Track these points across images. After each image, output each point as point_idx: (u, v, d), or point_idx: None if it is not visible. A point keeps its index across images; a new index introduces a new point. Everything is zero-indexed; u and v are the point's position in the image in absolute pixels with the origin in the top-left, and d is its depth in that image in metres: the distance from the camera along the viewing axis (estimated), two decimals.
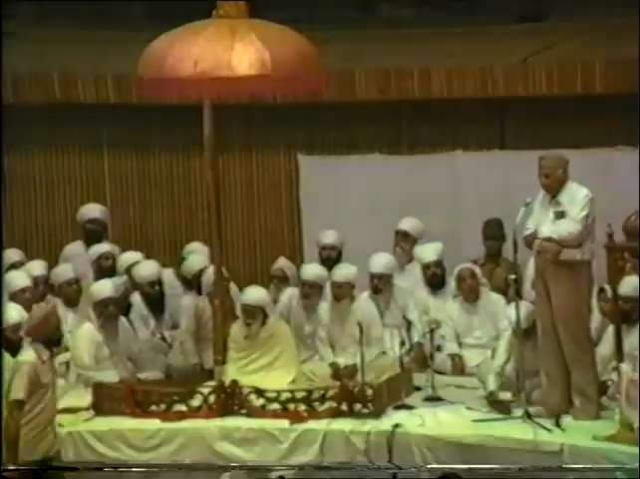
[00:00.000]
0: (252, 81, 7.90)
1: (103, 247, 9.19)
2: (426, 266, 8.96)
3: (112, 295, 8.42)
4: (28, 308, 8.21)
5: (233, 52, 7.88)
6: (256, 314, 8.35)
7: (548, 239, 7.80)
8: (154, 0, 10.20)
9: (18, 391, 7.10)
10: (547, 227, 7.85)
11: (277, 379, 8.32)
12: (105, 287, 8.49)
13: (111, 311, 8.40)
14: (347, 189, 9.78)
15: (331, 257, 8.95)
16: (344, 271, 8.76)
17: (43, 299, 8.83)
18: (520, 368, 8.04)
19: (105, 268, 9.00)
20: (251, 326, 8.35)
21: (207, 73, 7.84)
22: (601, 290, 8.18)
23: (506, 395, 8.13)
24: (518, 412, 7.99)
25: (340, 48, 9.64)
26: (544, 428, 7.86)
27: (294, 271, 9.08)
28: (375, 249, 8.94)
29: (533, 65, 9.30)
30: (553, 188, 7.92)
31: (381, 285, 8.75)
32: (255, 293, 8.45)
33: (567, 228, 7.82)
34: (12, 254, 9.21)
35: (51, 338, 7.27)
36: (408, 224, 9.13)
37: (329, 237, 9.15)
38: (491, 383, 8.13)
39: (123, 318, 8.51)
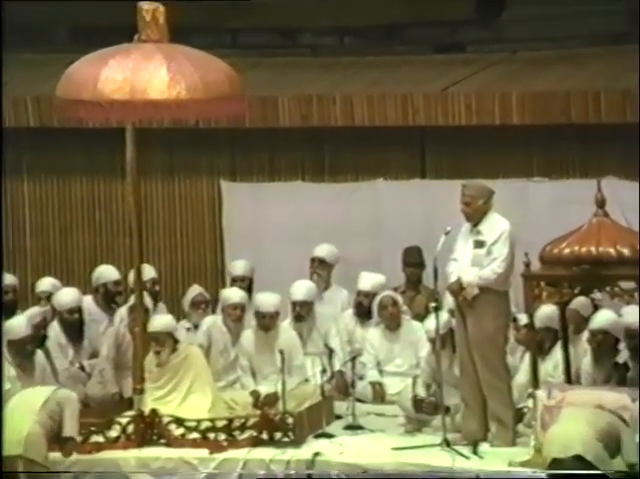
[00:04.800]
0: (173, 104, 7.64)
1: (3, 279, 8.61)
2: (362, 293, 8.71)
3: (29, 334, 8.04)
4: None
5: (154, 75, 7.65)
6: (165, 341, 8.01)
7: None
8: (78, 24, 9.97)
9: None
10: (469, 272, 7.61)
11: (195, 404, 7.99)
12: (21, 326, 8.10)
13: (27, 350, 8.02)
14: (269, 215, 9.61)
15: (242, 288, 8.69)
16: (269, 301, 8.46)
17: None
18: (439, 392, 7.81)
19: (6, 302, 8.52)
20: (161, 354, 7.98)
21: (129, 96, 7.57)
22: (514, 319, 8.07)
23: (430, 400, 7.95)
24: (437, 439, 7.75)
25: (264, 74, 9.50)
26: (462, 455, 7.66)
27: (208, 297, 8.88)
28: (296, 277, 8.79)
29: (452, 95, 9.25)
30: (473, 216, 7.77)
31: (303, 313, 8.56)
32: (162, 320, 8.14)
33: (492, 269, 7.60)
34: None
35: None
36: (324, 250, 8.97)
37: (238, 268, 8.95)
38: (419, 387, 7.97)
39: (39, 352, 8.12)
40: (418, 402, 7.92)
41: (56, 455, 7.70)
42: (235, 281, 8.81)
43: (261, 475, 7.57)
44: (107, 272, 8.84)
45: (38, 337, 8.23)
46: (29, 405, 7.58)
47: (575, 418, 7.38)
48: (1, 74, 9.03)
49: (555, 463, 7.34)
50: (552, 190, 9.13)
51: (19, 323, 8.14)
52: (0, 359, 7.32)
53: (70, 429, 7.52)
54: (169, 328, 8.03)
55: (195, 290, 8.88)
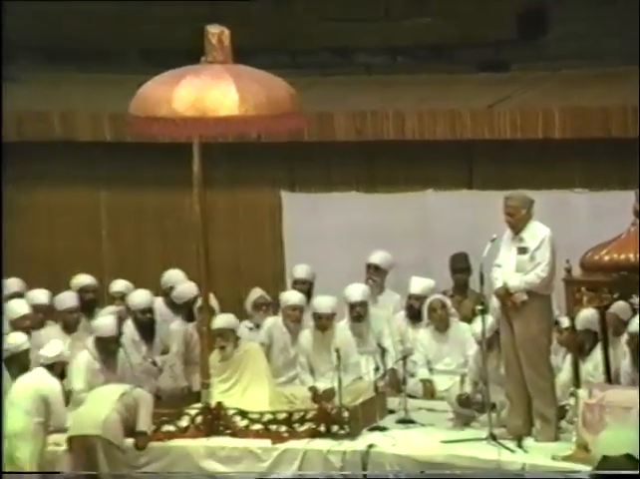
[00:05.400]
0: (242, 121, 7.95)
1: (84, 280, 9.09)
2: (413, 297, 8.94)
3: (115, 334, 8.39)
4: (28, 334, 8.31)
5: (224, 94, 7.94)
6: (228, 336, 8.37)
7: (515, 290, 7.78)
8: (149, 46, 10.24)
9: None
10: (513, 276, 7.83)
11: (255, 397, 8.33)
12: (110, 326, 8.45)
13: (112, 348, 8.37)
14: (326, 223, 9.80)
15: (303, 291, 8.94)
16: (325, 303, 8.74)
17: (42, 326, 8.86)
18: (485, 390, 8.05)
19: (86, 301, 8.92)
20: (225, 349, 8.34)
21: (201, 113, 7.87)
22: (556, 322, 8.24)
23: (477, 398, 8.15)
24: (484, 434, 7.98)
25: (320, 92, 9.72)
26: (508, 449, 7.87)
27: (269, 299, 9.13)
28: (350, 281, 8.99)
29: (498, 111, 9.40)
30: (517, 225, 8.00)
31: (362, 312, 8.78)
32: (225, 318, 8.49)
33: (537, 274, 7.83)
34: (12, 284, 9.18)
35: None
36: (378, 257, 9.16)
37: (300, 271, 9.18)
38: (466, 384, 8.19)
39: (121, 351, 8.44)
40: (465, 399, 8.11)
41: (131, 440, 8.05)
42: (297, 284, 9.04)
43: (319, 475, 7.82)
44: (175, 276, 9.11)
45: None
46: (108, 395, 7.96)
47: (625, 422, 7.56)
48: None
49: (605, 461, 7.45)
50: (593, 200, 9.26)
51: (109, 323, 8.48)
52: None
53: (143, 424, 7.89)
54: (232, 325, 8.42)
55: (257, 293, 9.14)
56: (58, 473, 7.70)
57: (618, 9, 9.70)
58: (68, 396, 8.22)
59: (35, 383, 7.83)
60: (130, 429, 7.93)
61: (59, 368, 7.89)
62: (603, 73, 9.65)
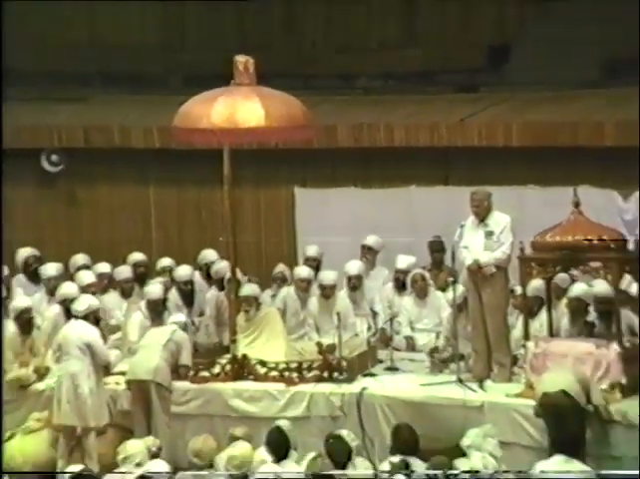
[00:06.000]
0: (267, 131, 8.98)
1: (137, 257, 10.43)
2: (399, 271, 10.16)
3: (161, 298, 9.66)
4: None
5: (252, 109, 8.93)
6: (252, 302, 9.59)
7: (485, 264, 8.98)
8: (188, 72, 11.46)
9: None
10: (484, 255, 9.04)
11: (272, 350, 9.47)
12: (157, 292, 9.73)
13: (159, 309, 9.65)
14: (331, 213, 11.06)
15: (313, 267, 10.21)
16: (329, 276, 10.06)
17: (105, 292, 10.21)
18: (455, 344, 9.18)
19: (138, 274, 10.23)
20: (249, 312, 9.55)
21: (234, 125, 8.88)
22: (511, 290, 9.49)
23: (448, 350, 9.34)
24: (453, 378, 9.18)
25: (327, 109, 10.97)
26: (471, 389, 9.12)
27: (289, 274, 10.39)
28: (349, 259, 10.27)
29: (469, 124, 10.61)
30: (481, 214, 9.25)
31: (357, 284, 10.06)
32: (249, 287, 9.71)
33: (502, 251, 9.07)
34: (79, 259, 10.57)
35: None
36: (372, 240, 10.49)
37: (311, 251, 10.46)
38: (440, 340, 9.46)
39: (166, 312, 9.66)
40: (434, 350, 9.36)
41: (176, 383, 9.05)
42: (308, 261, 10.33)
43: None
44: (209, 255, 10.45)
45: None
46: (155, 344, 9.12)
47: (561, 368, 8.68)
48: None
49: (546, 396, 8.49)
50: (541, 195, 10.49)
51: (157, 289, 9.77)
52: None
53: (185, 359, 9.10)
54: (255, 293, 9.71)
55: (279, 268, 10.44)
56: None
57: (573, 42, 10.83)
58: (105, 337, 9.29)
59: (77, 333, 8.88)
60: (174, 367, 9.09)
61: (92, 317, 8.95)
62: (555, 96, 10.82)
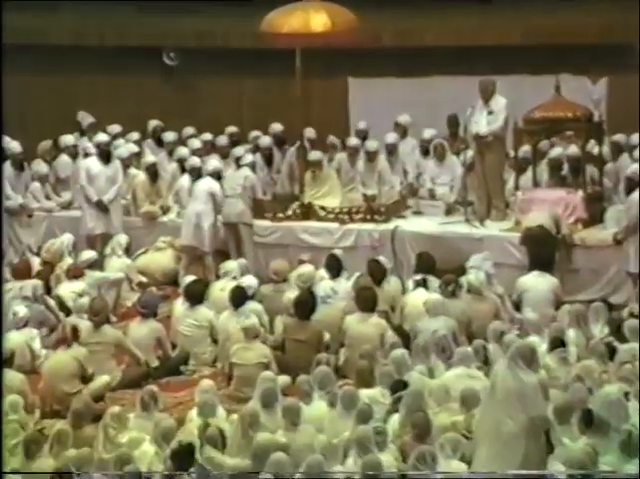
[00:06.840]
0: (323, 35, 11.06)
1: (232, 129, 12.71)
2: (424, 141, 12.17)
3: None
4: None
5: (319, 18, 11.05)
6: (317, 165, 11.79)
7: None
8: None
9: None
10: (484, 127, 11.07)
11: (330, 198, 11.76)
12: (241, 151, 12.06)
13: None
14: (376, 96, 13.02)
15: (361, 137, 12.29)
16: (373, 144, 12.04)
17: (209, 154, 12.34)
18: (465, 193, 11.26)
19: (232, 142, 12.20)
20: (314, 172, 11.76)
21: (307, 30, 10.97)
22: (506, 155, 11.63)
23: (460, 198, 11.39)
24: (463, 218, 11.37)
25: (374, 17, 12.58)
26: (475, 226, 11.24)
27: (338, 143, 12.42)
28: (388, 132, 12.37)
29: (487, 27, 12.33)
30: (485, 97, 11.33)
31: (393, 150, 12.13)
32: (316, 154, 11.88)
33: (497, 124, 11.16)
34: (189, 130, 13.05)
35: None
36: (403, 118, 12.55)
37: (361, 124, 12.59)
38: (454, 191, 11.54)
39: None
40: (455, 203, 11.57)
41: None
42: (358, 132, 12.38)
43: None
44: (277, 128, 12.50)
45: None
46: (236, 188, 11.64)
47: (541, 209, 10.88)
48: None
49: (528, 229, 10.52)
50: (534, 81, 12.29)
51: (245, 153, 11.94)
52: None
53: (259, 194, 11.38)
54: (320, 158, 11.94)
55: (330, 139, 12.44)
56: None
57: None
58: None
59: (206, 187, 11.56)
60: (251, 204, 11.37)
61: (216, 175, 11.48)
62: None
